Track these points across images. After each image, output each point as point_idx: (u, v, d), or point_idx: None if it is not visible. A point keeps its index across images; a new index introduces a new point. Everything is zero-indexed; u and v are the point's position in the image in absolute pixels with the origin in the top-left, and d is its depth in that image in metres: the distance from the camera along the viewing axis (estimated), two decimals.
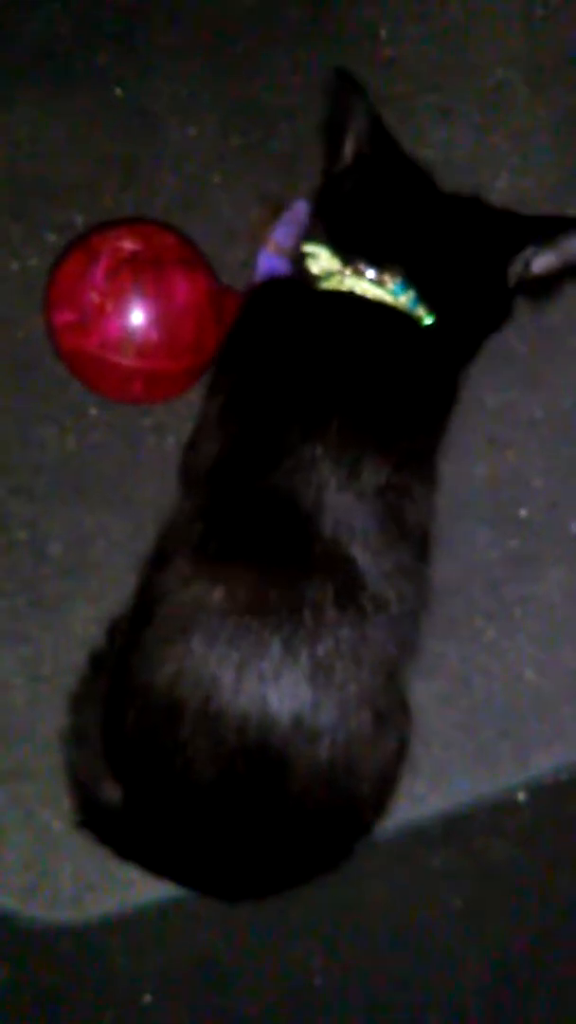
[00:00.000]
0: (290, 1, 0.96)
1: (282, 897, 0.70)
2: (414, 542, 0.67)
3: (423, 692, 0.77)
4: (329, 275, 0.69)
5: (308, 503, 0.63)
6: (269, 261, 0.85)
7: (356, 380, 0.66)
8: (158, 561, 0.68)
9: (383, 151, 0.74)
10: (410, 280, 0.69)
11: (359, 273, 0.69)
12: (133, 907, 0.75)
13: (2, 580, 0.82)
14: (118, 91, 0.94)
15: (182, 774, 0.63)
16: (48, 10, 0.96)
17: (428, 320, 0.69)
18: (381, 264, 0.69)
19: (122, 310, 0.77)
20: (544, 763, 0.78)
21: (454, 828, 0.77)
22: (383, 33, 0.95)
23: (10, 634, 0.81)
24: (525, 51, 0.94)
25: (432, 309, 0.69)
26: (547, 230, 0.72)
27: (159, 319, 0.77)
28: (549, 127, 0.92)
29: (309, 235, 0.73)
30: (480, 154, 0.91)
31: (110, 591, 0.77)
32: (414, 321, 0.69)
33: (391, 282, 0.69)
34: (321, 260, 0.70)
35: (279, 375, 0.67)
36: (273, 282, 0.76)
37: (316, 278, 0.70)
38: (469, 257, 0.71)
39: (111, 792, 0.70)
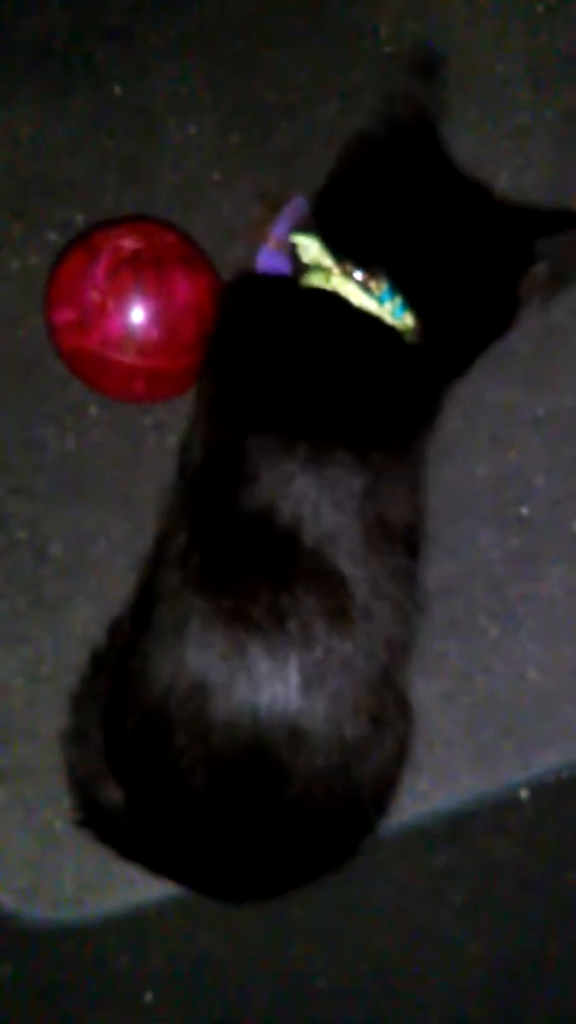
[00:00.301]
0: (298, 6, 0.97)
1: (285, 896, 0.71)
2: (401, 544, 0.67)
3: (425, 691, 0.78)
4: (318, 268, 0.69)
5: (287, 514, 0.63)
6: (269, 258, 0.86)
7: (330, 389, 0.65)
8: (153, 565, 0.69)
9: (418, 140, 0.71)
10: (397, 288, 0.67)
11: (347, 274, 0.68)
12: (135, 906, 0.76)
13: (2, 580, 0.83)
14: (117, 89, 0.95)
15: (179, 782, 0.64)
16: (47, 8, 0.97)
17: (412, 329, 0.68)
18: (369, 267, 0.68)
19: (123, 308, 0.77)
20: (547, 761, 0.79)
21: (457, 826, 0.77)
22: (383, 31, 0.95)
23: (10, 634, 0.82)
24: (526, 48, 0.95)
25: (419, 320, 0.68)
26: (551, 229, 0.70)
27: (160, 317, 0.78)
28: (550, 124, 0.93)
29: (303, 227, 0.72)
30: (481, 151, 0.91)
31: (111, 591, 0.77)
32: (394, 334, 0.68)
33: (378, 288, 0.67)
34: (311, 251, 0.69)
35: (252, 381, 0.67)
36: (249, 279, 0.75)
37: (305, 268, 0.69)
38: (465, 269, 0.69)
39: (112, 792, 0.70)
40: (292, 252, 0.72)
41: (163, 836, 0.69)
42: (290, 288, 0.69)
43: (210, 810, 0.65)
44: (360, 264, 0.68)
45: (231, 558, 0.64)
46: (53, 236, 0.88)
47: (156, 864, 0.72)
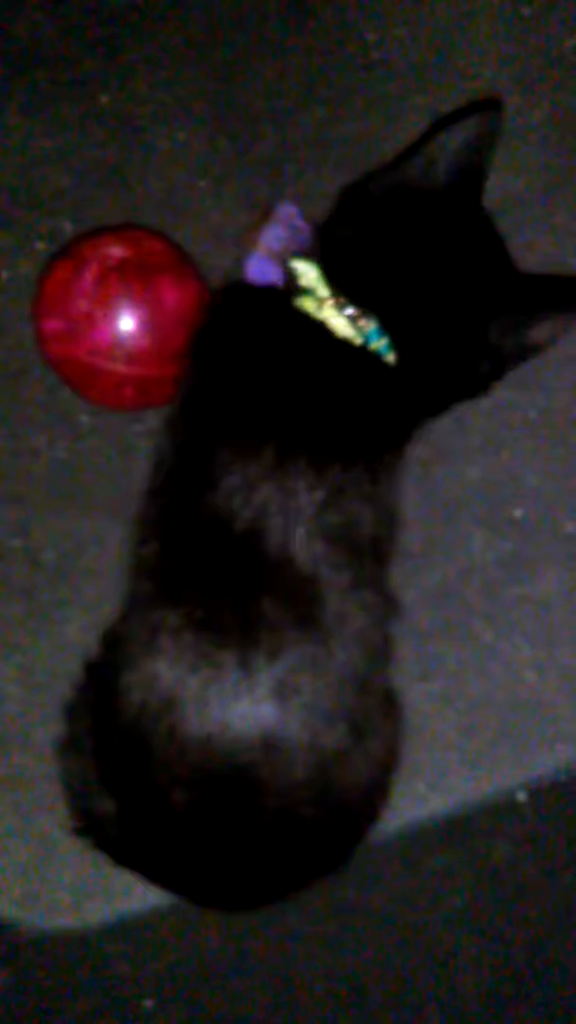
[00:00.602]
0: (276, 6, 0.99)
1: (281, 902, 0.72)
2: (370, 553, 0.67)
3: (421, 694, 0.79)
4: (311, 293, 0.69)
5: (250, 524, 0.63)
6: (259, 265, 0.87)
7: (300, 404, 0.66)
8: (132, 577, 0.70)
9: (458, 194, 0.71)
10: (385, 331, 0.68)
11: (339, 306, 0.68)
12: (133, 913, 0.76)
13: None
14: (104, 98, 0.96)
15: (161, 798, 0.64)
16: (33, 18, 0.98)
17: (392, 365, 0.69)
18: (362, 308, 0.68)
19: (111, 317, 0.78)
20: (544, 763, 0.79)
21: (455, 829, 0.78)
22: (370, 36, 0.97)
23: (4, 642, 0.83)
24: (512, 52, 0.96)
25: (400, 362, 0.69)
26: (551, 298, 0.70)
27: (148, 325, 0.79)
28: (538, 128, 0.94)
29: (305, 249, 0.73)
30: None
31: (104, 598, 0.78)
32: (374, 362, 0.68)
33: (366, 326, 0.68)
34: (307, 277, 0.69)
35: (227, 386, 0.67)
36: (240, 288, 0.75)
37: (299, 290, 0.69)
38: (453, 332, 0.69)
39: (107, 800, 0.71)
40: (284, 265, 0.72)
41: (152, 847, 0.69)
42: (279, 305, 0.70)
43: (193, 824, 0.65)
44: (354, 302, 0.68)
45: (200, 567, 0.64)
46: (41, 245, 0.90)
47: (148, 871, 0.72)
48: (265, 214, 0.90)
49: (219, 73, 0.96)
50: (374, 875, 0.77)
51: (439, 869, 0.78)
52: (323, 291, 0.69)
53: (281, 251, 0.83)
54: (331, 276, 0.69)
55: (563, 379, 0.88)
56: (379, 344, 0.68)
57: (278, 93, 0.95)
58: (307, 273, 0.70)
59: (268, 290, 0.72)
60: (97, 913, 0.77)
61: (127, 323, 0.78)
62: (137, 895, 0.76)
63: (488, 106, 0.74)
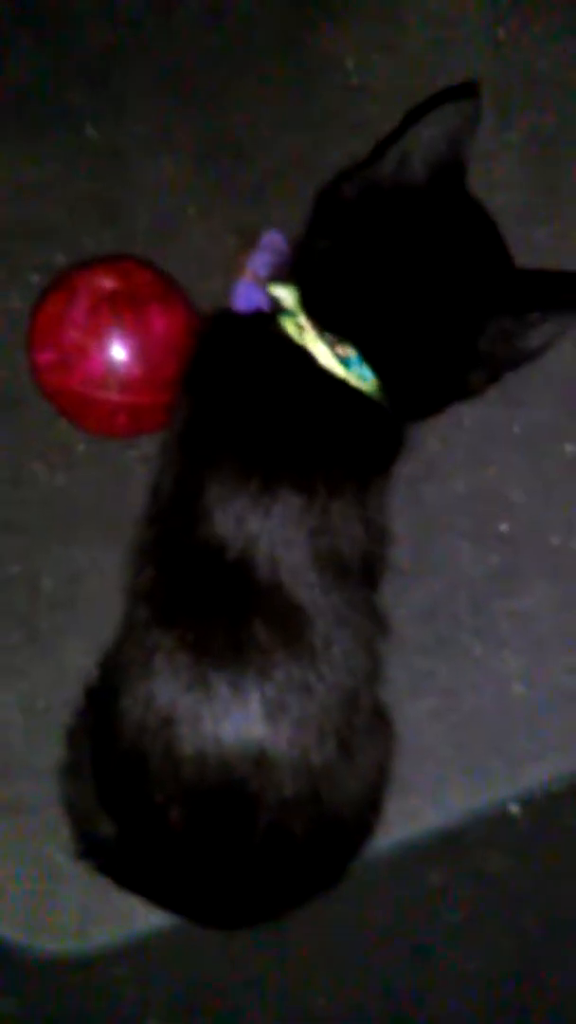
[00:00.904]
0: (257, 36, 1.02)
1: (282, 919, 0.74)
2: (359, 575, 0.69)
3: (412, 710, 0.80)
4: (292, 317, 0.70)
5: (241, 550, 0.65)
6: (245, 292, 0.90)
7: (285, 432, 0.67)
8: (128, 599, 0.72)
9: (438, 188, 0.68)
10: (365, 360, 0.68)
11: (319, 333, 0.68)
12: (137, 936, 0.78)
13: None
14: (91, 130, 0.99)
15: (158, 817, 0.67)
16: (21, 51, 1.01)
17: (374, 389, 0.69)
18: (340, 335, 0.68)
19: (103, 347, 0.81)
20: (536, 775, 0.81)
21: (450, 843, 0.79)
22: (349, 63, 1.00)
23: (5, 669, 0.85)
24: (490, 74, 0.98)
25: (381, 387, 0.69)
26: (547, 299, 0.67)
27: (140, 354, 0.81)
28: (516, 148, 0.96)
29: (283, 271, 0.74)
30: None
31: (103, 624, 0.79)
32: (355, 389, 0.69)
33: (345, 354, 0.68)
34: (286, 302, 0.70)
35: (215, 417, 0.69)
36: (224, 318, 0.76)
37: (281, 315, 0.70)
38: (441, 342, 0.68)
39: (107, 823, 0.73)
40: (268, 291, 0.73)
41: (152, 868, 0.72)
42: (262, 332, 0.70)
43: (190, 842, 0.68)
44: (330, 330, 0.68)
45: (193, 592, 0.67)
46: (34, 278, 0.92)
47: (150, 893, 0.75)
48: (251, 240, 0.93)
49: (204, 102, 0.99)
50: (371, 891, 0.78)
51: (436, 883, 0.80)
52: (301, 319, 0.69)
53: (267, 277, 0.86)
54: (307, 301, 0.69)
55: (546, 395, 0.90)
56: (360, 372, 0.69)
57: (262, 120, 0.98)
58: (286, 298, 0.70)
59: (252, 317, 0.73)
60: (102, 936, 0.79)
61: (119, 353, 0.81)
62: (141, 917, 0.78)
63: (463, 91, 0.72)
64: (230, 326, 0.74)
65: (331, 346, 0.68)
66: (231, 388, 0.69)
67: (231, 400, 0.69)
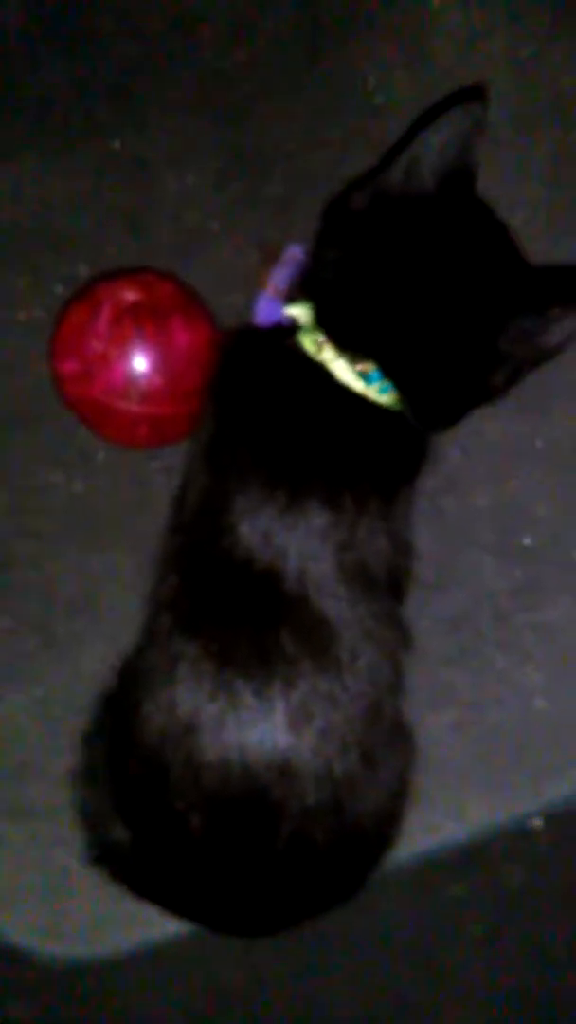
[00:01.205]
0: (282, 53, 1.05)
1: (300, 929, 0.75)
2: (385, 587, 0.71)
3: (435, 722, 0.82)
4: (309, 333, 0.71)
5: (269, 561, 0.68)
6: (267, 306, 0.93)
7: (309, 446, 0.69)
8: (150, 607, 0.74)
9: (448, 194, 0.68)
10: (384, 375, 0.69)
11: (335, 349, 0.70)
12: (151, 943, 0.79)
13: (13, 621, 0.88)
14: (117, 144, 1.02)
15: (178, 823, 0.68)
16: (49, 67, 1.04)
17: (395, 403, 0.71)
18: (357, 350, 0.69)
19: (125, 358, 0.83)
20: (558, 789, 0.82)
21: (471, 857, 0.81)
22: (372, 80, 1.03)
23: (22, 674, 0.87)
24: (512, 91, 1.01)
25: (402, 400, 0.70)
26: (566, 294, 0.67)
27: (161, 365, 0.84)
28: (538, 165, 0.99)
29: (298, 288, 0.75)
30: None
31: (120, 631, 0.81)
32: (376, 404, 0.70)
33: (364, 369, 0.70)
34: (303, 320, 0.71)
35: (241, 433, 0.71)
36: (244, 334, 0.78)
37: (299, 331, 0.72)
38: (460, 348, 0.69)
39: (122, 830, 0.75)
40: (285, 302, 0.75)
41: (168, 875, 0.73)
42: (282, 348, 0.72)
43: (209, 849, 0.69)
44: (346, 347, 0.70)
45: (218, 602, 0.69)
46: (59, 288, 0.95)
47: (165, 900, 0.76)
48: (272, 254, 0.96)
49: (228, 117, 1.02)
50: (390, 903, 0.79)
51: (456, 897, 0.81)
52: (319, 336, 0.71)
53: (287, 291, 0.89)
54: (322, 319, 0.71)
55: (567, 407, 0.92)
56: (380, 385, 0.70)
57: (285, 137, 1.01)
58: (302, 314, 0.72)
59: (272, 332, 0.75)
60: (115, 943, 0.80)
61: (140, 363, 0.83)
62: (154, 924, 0.79)
63: (469, 95, 0.72)
64: (252, 341, 0.76)
65: (350, 362, 0.70)
66: (255, 404, 0.72)
67: (255, 416, 0.71)
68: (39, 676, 0.87)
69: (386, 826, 0.75)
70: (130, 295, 0.86)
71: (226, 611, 0.69)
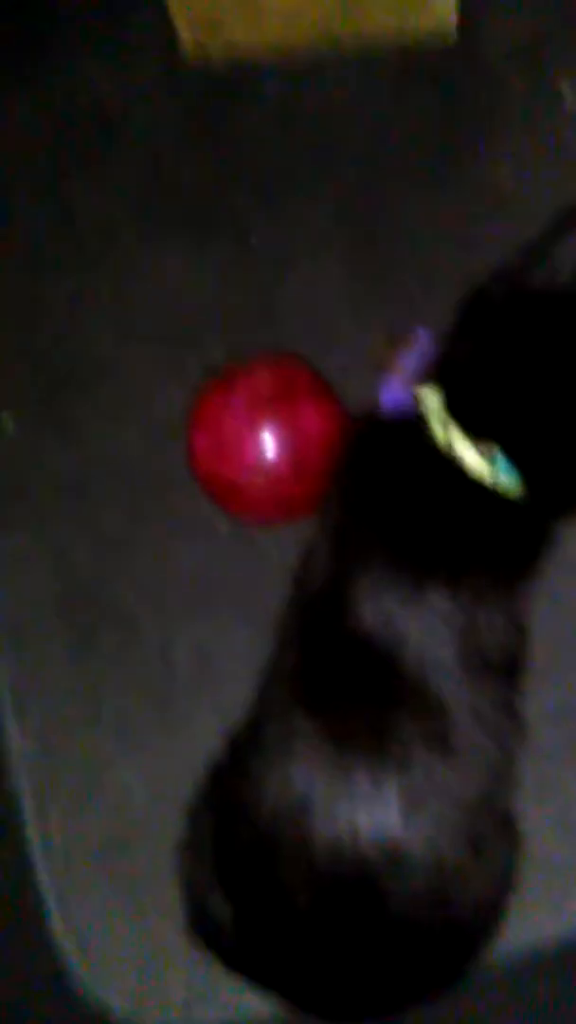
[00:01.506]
0: (416, 153, 1.12)
1: (395, 1017, 0.77)
2: (501, 674, 0.74)
3: (538, 816, 0.83)
4: (437, 421, 0.75)
5: (389, 643, 0.71)
6: (393, 391, 1.00)
7: (436, 533, 0.74)
8: (266, 682, 0.79)
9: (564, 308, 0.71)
10: (511, 462, 0.73)
11: (465, 438, 0.73)
12: (243, 1018, 0.82)
13: (130, 689, 0.94)
14: (254, 238, 1.10)
15: (284, 900, 0.71)
16: (199, 162, 1.14)
17: (520, 492, 0.74)
18: (485, 436, 0.73)
19: (257, 438, 0.90)
20: None
21: (570, 957, 0.82)
22: (506, 178, 1.09)
23: (134, 742, 0.92)
24: None
25: (528, 488, 0.74)
26: None
27: (290, 447, 0.90)
28: None
29: (429, 372, 0.79)
30: None
31: (233, 703, 0.85)
32: (504, 496, 0.74)
33: (492, 458, 0.73)
34: (431, 404, 0.75)
35: (370, 519, 0.76)
36: (375, 426, 0.82)
37: (427, 419, 0.75)
38: None
39: (222, 904, 0.78)
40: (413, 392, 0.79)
41: (268, 951, 0.76)
42: (411, 438, 0.76)
43: (314, 929, 0.72)
44: (476, 434, 0.73)
45: (337, 681, 0.73)
46: (195, 369, 1.02)
47: (262, 978, 0.79)
48: (402, 341, 1.03)
49: (363, 215, 1.09)
50: (487, 997, 0.80)
51: (551, 996, 0.82)
52: (448, 422, 0.74)
53: (415, 376, 0.94)
54: (452, 404, 0.74)
55: None
56: (506, 474, 0.74)
57: (419, 237, 1.07)
58: (430, 400, 0.76)
59: (402, 422, 0.78)
60: (208, 1016, 0.83)
61: (271, 444, 0.90)
62: (247, 1002, 0.82)
63: None
64: (382, 431, 0.81)
65: (477, 451, 0.74)
66: (382, 489, 0.77)
67: (383, 501, 0.76)
68: (151, 745, 0.92)
69: (488, 919, 0.77)
70: (265, 379, 0.93)
71: (345, 690, 0.72)
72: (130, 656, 0.96)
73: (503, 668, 0.75)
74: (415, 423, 0.77)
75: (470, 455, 0.74)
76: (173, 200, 1.14)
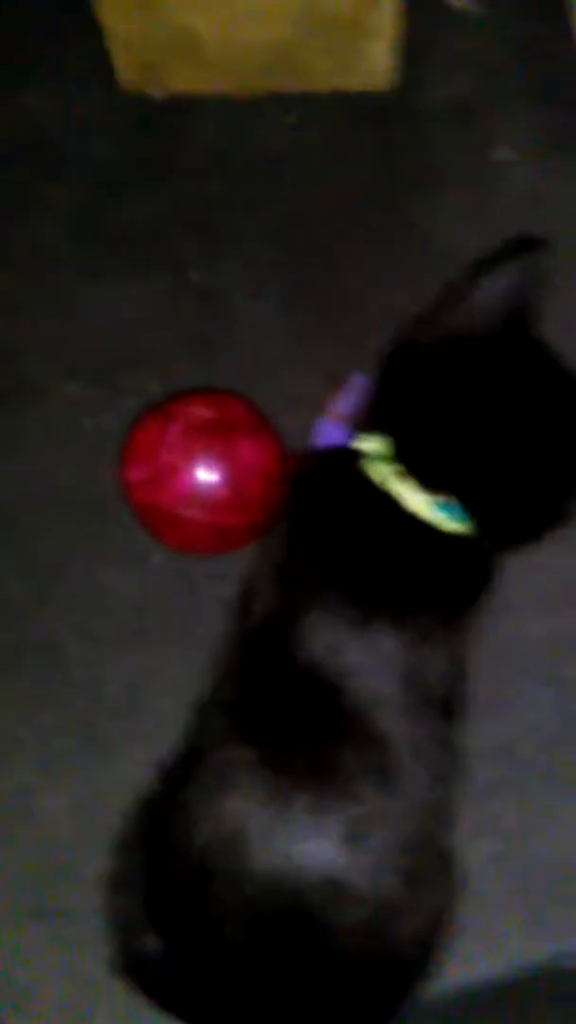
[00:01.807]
0: (362, 203, 1.18)
1: None
2: (441, 709, 0.76)
3: (476, 852, 0.84)
4: (377, 462, 0.77)
5: (333, 677, 0.73)
6: (328, 429, 1.02)
7: (380, 570, 0.76)
8: (203, 712, 0.80)
9: (509, 334, 0.75)
10: (463, 504, 0.75)
11: (405, 479, 0.76)
12: None
13: (57, 718, 0.94)
14: (193, 274, 1.14)
15: (216, 933, 0.71)
16: (134, 201, 1.18)
17: (462, 532, 0.76)
18: (437, 485, 0.75)
19: (192, 469, 0.92)
20: None
21: (506, 994, 0.82)
22: (438, 228, 1.15)
23: (62, 772, 0.92)
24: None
25: (474, 528, 0.76)
26: None
27: (226, 478, 0.92)
28: None
29: (369, 419, 0.80)
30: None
31: (163, 734, 0.85)
32: (447, 532, 0.76)
33: (435, 500, 0.76)
34: (371, 448, 0.78)
35: (315, 555, 0.77)
36: (319, 457, 0.86)
37: (366, 459, 0.78)
38: (533, 477, 0.75)
39: (151, 941, 0.77)
40: (352, 433, 0.81)
41: (199, 986, 0.75)
42: (353, 474, 0.78)
43: (248, 962, 0.71)
44: (418, 477, 0.75)
45: (278, 712, 0.74)
46: (129, 402, 1.04)
47: (191, 1015, 0.77)
48: (337, 383, 1.07)
49: (303, 256, 1.15)
50: None
51: None
52: (388, 463, 0.77)
53: (351, 418, 0.96)
54: (401, 453, 0.76)
55: None
56: (450, 515, 0.76)
57: (357, 278, 1.12)
58: (374, 447, 0.78)
59: (343, 456, 0.80)
60: None
61: (206, 476, 0.92)
62: None
63: (531, 245, 0.78)
64: (324, 465, 0.84)
65: (419, 492, 0.76)
66: (327, 526, 0.78)
67: (327, 537, 0.78)
68: (77, 775, 0.92)
69: (423, 954, 0.77)
70: (201, 411, 0.95)
71: (286, 722, 0.73)
72: (59, 685, 0.96)
73: (444, 705, 0.76)
74: (353, 460, 0.80)
75: (411, 497, 0.76)
76: (113, 232, 1.17)
